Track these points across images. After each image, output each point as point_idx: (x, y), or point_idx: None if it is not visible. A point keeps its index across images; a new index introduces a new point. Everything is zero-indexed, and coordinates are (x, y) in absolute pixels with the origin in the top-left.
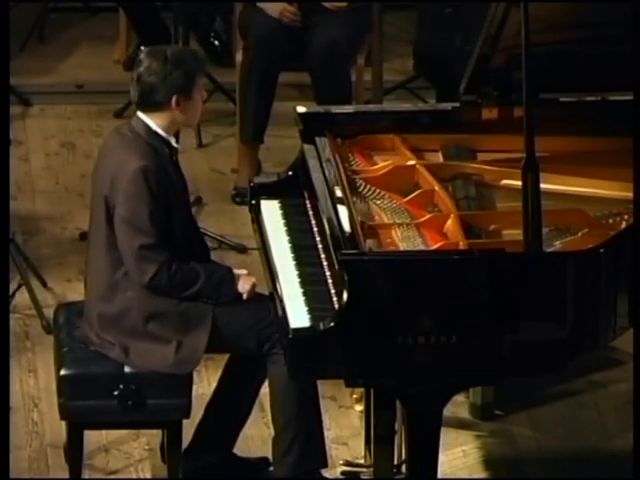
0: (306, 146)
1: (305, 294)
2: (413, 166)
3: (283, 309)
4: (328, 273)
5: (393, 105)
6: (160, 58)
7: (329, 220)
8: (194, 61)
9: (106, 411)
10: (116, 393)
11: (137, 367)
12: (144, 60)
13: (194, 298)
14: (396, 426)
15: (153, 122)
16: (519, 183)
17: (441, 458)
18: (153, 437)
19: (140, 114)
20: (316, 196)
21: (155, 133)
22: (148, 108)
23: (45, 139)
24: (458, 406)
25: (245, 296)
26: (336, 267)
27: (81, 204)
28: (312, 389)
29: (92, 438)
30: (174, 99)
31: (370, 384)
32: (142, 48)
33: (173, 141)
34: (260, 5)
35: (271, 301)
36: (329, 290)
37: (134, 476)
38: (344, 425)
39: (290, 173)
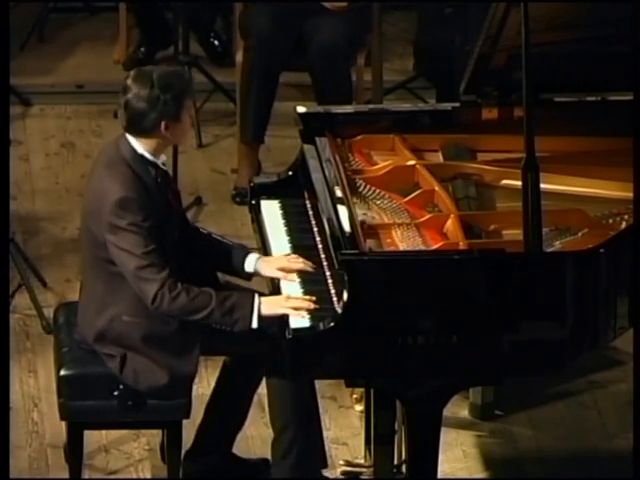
0: (306, 146)
1: (305, 294)
2: (413, 166)
3: None
4: (328, 273)
5: (393, 105)
6: (147, 84)
7: (329, 220)
8: (181, 83)
9: (106, 411)
10: (116, 393)
11: (130, 384)
12: (132, 86)
13: (205, 323)
14: (396, 426)
15: (140, 146)
16: (519, 183)
17: (441, 458)
18: (153, 437)
19: (128, 136)
20: (316, 196)
21: (141, 156)
22: (137, 133)
23: (45, 139)
24: (458, 406)
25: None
26: (336, 267)
27: (81, 204)
28: (309, 391)
29: (92, 438)
30: (163, 124)
31: (370, 384)
32: (131, 73)
33: (160, 162)
34: None
35: None
36: (329, 290)
37: (134, 476)
38: (344, 425)
39: (290, 173)
